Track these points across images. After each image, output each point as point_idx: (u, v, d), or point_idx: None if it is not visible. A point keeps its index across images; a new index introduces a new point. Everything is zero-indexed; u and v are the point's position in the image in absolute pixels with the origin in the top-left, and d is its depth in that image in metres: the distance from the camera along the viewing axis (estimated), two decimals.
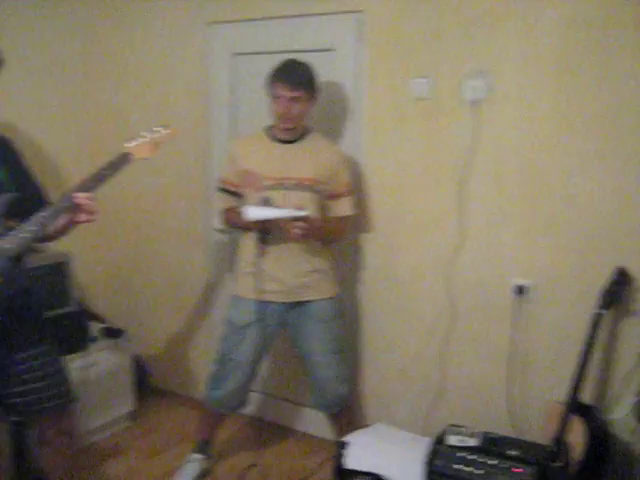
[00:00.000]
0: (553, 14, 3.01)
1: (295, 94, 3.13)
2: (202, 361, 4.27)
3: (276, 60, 3.24)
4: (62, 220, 2.41)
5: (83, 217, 2.40)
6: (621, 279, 2.94)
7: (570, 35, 2.99)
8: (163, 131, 2.65)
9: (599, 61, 2.94)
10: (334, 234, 3.38)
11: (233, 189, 3.33)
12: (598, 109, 2.97)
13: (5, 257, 2.31)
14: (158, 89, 4.25)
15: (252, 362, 3.35)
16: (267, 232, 3.17)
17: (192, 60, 4.08)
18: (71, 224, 2.46)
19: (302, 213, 3.06)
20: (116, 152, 2.52)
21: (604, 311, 2.94)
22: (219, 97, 4.02)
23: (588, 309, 2.97)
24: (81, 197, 2.35)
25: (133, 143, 2.54)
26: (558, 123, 3.07)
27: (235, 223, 3.33)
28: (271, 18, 3.75)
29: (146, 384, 4.51)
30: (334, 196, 3.32)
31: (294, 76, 3.14)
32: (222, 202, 3.39)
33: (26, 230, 2.32)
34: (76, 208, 2.37)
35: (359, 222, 3.62)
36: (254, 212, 3.05)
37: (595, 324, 2.94)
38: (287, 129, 3.22)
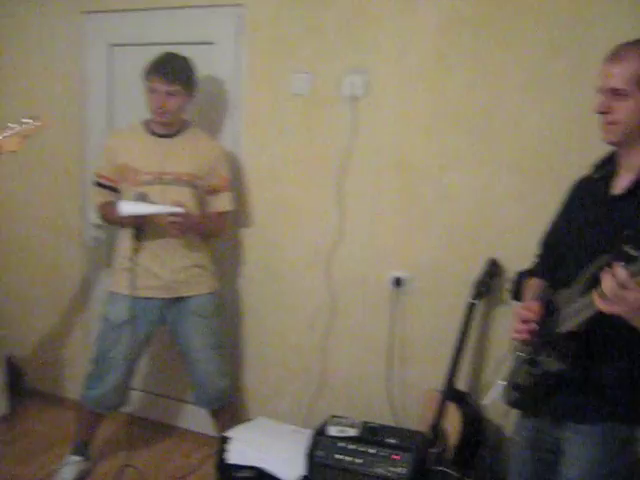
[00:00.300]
0: (429, 12, 3.10)
1: (171, 88, 3.09)
2: (79, 360, 4.14)
3: (155, 52, 3.18)
4: None
5: None
6: (493, 270, 3.07)
7: (445, 33, 3.08)
8: (32, 123, 2.55)
9: (473, 58, 3.05)
10: (213, 229, 3.36)
11: (109, 183, 3.25)
12: (472, 106, 3.08)
13: None
14: (31, 81, 4.08)
15: (130, 360, 3.28)
16: (141, 228, 3.12)
17: (67, 51, 3.95)
18: None
19: (178, 209, 3.02)
20: None
21: (477, 301, 3.06)
22: (95, 89, 3.91)
23: (462, 299, 3.08)
24: None
25: (1, 136, 2.44)
26: (433, 119, 3.16)
27: (111, 218, 3.25)
28: (150, 9, 3.68)
29: (20, 386, 4.33)
30: (213, 191, 3.29)
31: (170, 70, 3.09)
32: (98, 197, 3.29)
33: None
34: None
35: (239, 217, 3.61)
36: (128, 208, 2.99)
37: (468, 314, 3.05)
38: (163, 123, 3.17)
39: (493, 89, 3.03)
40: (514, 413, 2.21)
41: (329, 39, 3.31)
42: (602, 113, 1.89)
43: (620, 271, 1.57)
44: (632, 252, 1.66)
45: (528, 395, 2.06)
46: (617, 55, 1.86)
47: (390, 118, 3.25)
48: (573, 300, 1.85)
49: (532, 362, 2.00)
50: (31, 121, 2.55)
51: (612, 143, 1.93)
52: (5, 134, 2.45)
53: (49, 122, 2.61)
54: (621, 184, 1.93)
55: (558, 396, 1.96)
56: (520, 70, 2.97)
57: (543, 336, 1.95)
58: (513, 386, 2.11)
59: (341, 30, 3.29)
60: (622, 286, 1.57)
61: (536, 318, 1.96)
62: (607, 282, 1.60)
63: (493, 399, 2.24)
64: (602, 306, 1.63)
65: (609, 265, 1.68)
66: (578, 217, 2.05)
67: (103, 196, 3.27)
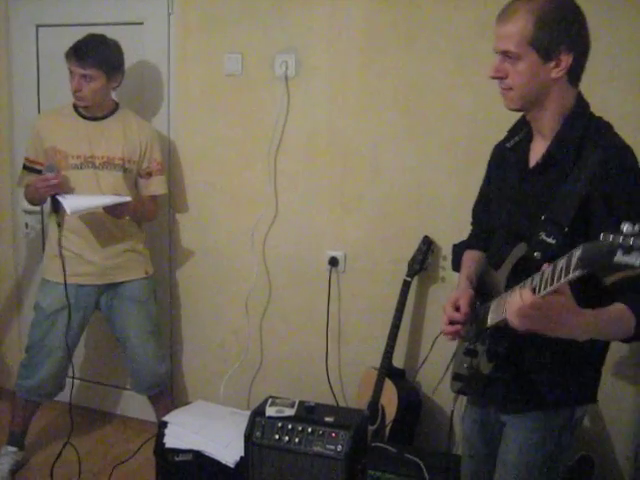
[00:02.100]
0: None
1: (87, 72, 3.01)
2: (13, 349, 4.07)
3: (83, 33, 3.10)
4: None
5: None
6: (427, 247, 3.09)
7: (376, 11, 3.09)
8: None
9: (404, 37, 3.06)
10: (146, 213, 3.31)
11: (37, 167, 3.16)
12: (403, 84, 3.10)
13: None
14: None
15: (65, 348, 3.22)
16: (57, 209, 3.04)
17: None
18: None
19: (126, 198, 3.00)
20: None
21: (412, 278, 3.09)
22: (22, 72, 3.81)
23: (398, 277, 3.11)
24: None
25: None
26: (366, 98, 3.17)
27: (35, 201, 3.18)
28: None
29: None
30: (145, 174, 3.25)
31: (87, 53, 3.01)
32: (25, 180, 3.20)
33: None
34: None
35: (172, 199, 3.57)
36: (74, 205, 2.91)
37: (404, 291, 3.08)
38: (85, 107, 3.11)
39: (424, 68, 3.05)
40: (450, 386, 2.23)
41: (261, 19, 3.29)
42: (496, 78, 1.75)
43: (525, 294, 1.47)
44: (547, 240, 1.63)
45: (468, 386, 2.03)
46: (507, 14, 1.70)
47: (323, 98, 3.24)
48: (497, 291, 1.79)
49: (469, 352, 1.93)
50: None
51: (513, 109, 1.79)
52: None
53: None
54: (536, 153, 1.82)
55: (494, 390, 1.91)
56: (450, 48, 2.99)
57: (475, 325, 1.90)
58: (455, 376, 2.09)
59: (273, 10, 3.26)
60: (530, 307, 1.46)
61: (462, 318, 1.88)
62: (513, 305, 1.51)
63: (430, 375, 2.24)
64: (512, 323, 1.53)
65: (529, 256, 1.64)
66: (498, 188, 1.99)
67: (28, 177, 3.18)
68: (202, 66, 3.44)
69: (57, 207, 3.02)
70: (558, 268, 1.38)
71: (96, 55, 3.03)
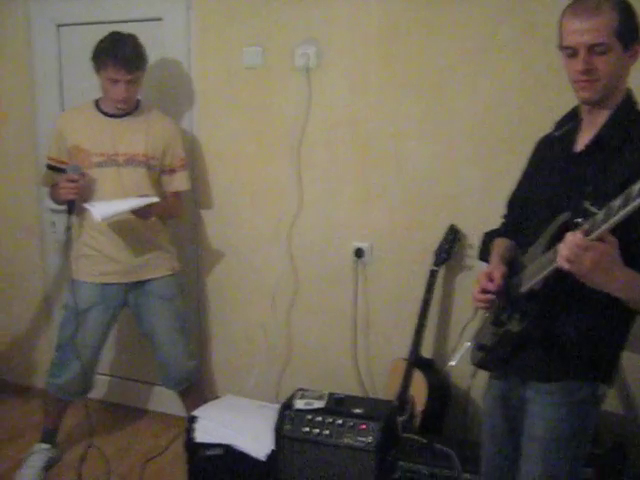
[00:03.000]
0: None
1: (133, 76, 3.01)
2: (44, 348, 4.11)
3: (102, 31, 3.09)
4: None
5: None
6: (452, 236, 3.07)
7: (396, 1, 3.05)
8: None
9: (424, 25, 3.03)
10: (172, 211, 3.32)
11: (60, 165, 3.16)
12: (425, 73, 3.07)
13: None
14: None
15: (94, 346, 3.25)
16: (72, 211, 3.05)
17: (12, 32, 3.85)
18: None
19: (153, 199, 3.00)
20: None
21: (438, 267, 3.07)
22: (44, 71, 3.83)
23: (424, 267, 3.09)
24: None
25: None
26: (387, 88, 3.15)
27: (60, 201, 3.17)
28: None
29: None
30: (169, 171, 3.25)
31: (128, 58, 2.99)
32: (49, 179, 3.21)
33: None
34: None
35: (196, 195, 3.58)
36: (103, 211, 2.90)
37: (431, 281, 3.06)
38: (121, 108, 3.11)
39: (446, 56, 3.02)
40: (481, 374, 2.22)
41: (280, 10, 3.27)
42: (586, 72, 1.79)
43: (576, 234, 1.58)
44: (591, 209, 1.68)
45: (493, 355, 2.06)
46: (591, 8, 1.77)
47: (344, 88, 3.22)
48: (535, 258, 1.86)
49: (497, 322, 2.00)
50: None
51: (592, 101, 1.85)
52: None
53: (4, 117, 2.49)
54: (583, 141, 1.91)
55: (521, 355, 1.97)
56: (470, 34, 2.96)
57: (507, 296, 1.95)
58: (478, 346, 2.12)
59: (292, 1, 3.24)
60: (580, 247, 1.57)
61: (495, 288, 1.95)
62: (567, 241, 1.60)
63: (459, 360, 2.25)
64: (561, 263, 1.63)
65: (570, 222, 1.69)
66: (541, 175, 2.05)
67: (51, 177, 3.19)
68: (222, 60, 3.44)
69: (72, 209, 3.03)
70: (614, 206, 1.52)
71: (137, 57, 3.03)
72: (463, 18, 2.96)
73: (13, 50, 3.88)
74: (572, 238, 1.59)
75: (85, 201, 3.01)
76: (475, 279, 2.02)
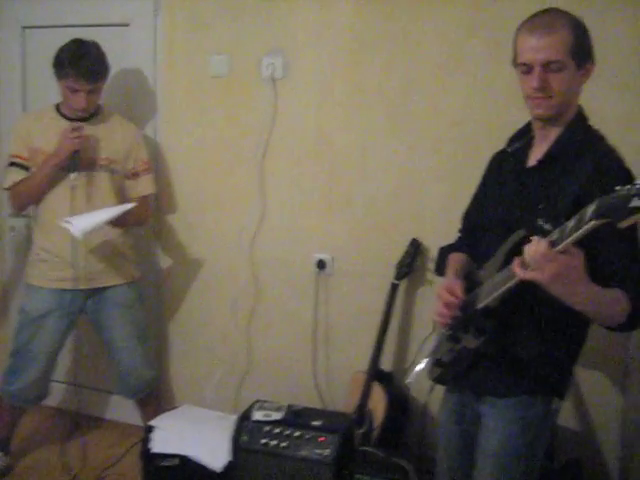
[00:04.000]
0: None
1: (93, 87, 2.99)
2: None
3: (69, 34, 3.06)
4: None
5: None
6: (415, 250, 3.09)
7: (362, 13, 3.09)
8: None
9: (392, 38, 3.06)
10: (138, 216, 3.26)
11: (25, 163, 3.08)
12: (390, 86, 3.09)
13: None
14: None
15: (50, 352, 3.20)
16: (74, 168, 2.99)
17: None
18: None
19: (129, 206, 2.98)
20: None
21: (400, 281, 3.08)
22: (8, 73, 3.79)
23: (386, 280, 3.09)
24: None
25: None
26: (353, 100, 3.16)
27: (25, 198, 3.11)
28: None
29: None
30: (132, 175, 3.22)
31: (90, 69, 2.95)
32: (13, 176, 3.09)
33: None
34: None
35: (160, 202, 3.55)
36: (82, 226, 2.84)
37: (392, 294, 3.07)
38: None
39: (410, 69, 3.04)
40: (439, 389, 2.23)
41: (247, 20, 3.28)
42: (540, 88, 1.81)
43: (542, 242, 1.58)
44: (546, 226, 1.72)
45: (450, 371, 2.08)
46: (547, 26, 1.79)
47: (310, 99, 3.23)
48: (492, 275, 1.87)
49: (453, 338, 2.02)
50: None
51: (545, 118, 1.87)
52: None
53: None
54: (535, 156, 1.93)
55: (477, 371, 1.99)
56: (436, 49, 2.99)
57: (464, 313, 1.96)
58: (436, 362, 2.13)
59: (259, 11, 3.25)
60: (544, 257, 1.56)
61: (458, 302, 1.95)
62: (530, 249, 1.60)
63: (416, 377, 2.26)
64: (522, 274, 1.63)
65: (526, 240, 1.68)
66: (495, 191, 2.07)
67: (19, 175, 3.08)
68: (188, 68, 3.42)
69: (76, 162, 2.98)
70: (568, 227, 1.52)
71: (99, 68, 3.00)
72: (430, 32, 2.99)
73: None
74: (536, 247, 1.58)
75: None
76: (435, 294, 2.03)
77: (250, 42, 3.29)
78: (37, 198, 3.08)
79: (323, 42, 3.17)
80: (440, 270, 2.25)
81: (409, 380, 2.35)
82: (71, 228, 2.86)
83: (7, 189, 3.12)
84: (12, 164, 3.11)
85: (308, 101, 3.23)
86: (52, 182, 3.03)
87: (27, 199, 3.11)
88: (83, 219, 2.91)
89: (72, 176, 2.99)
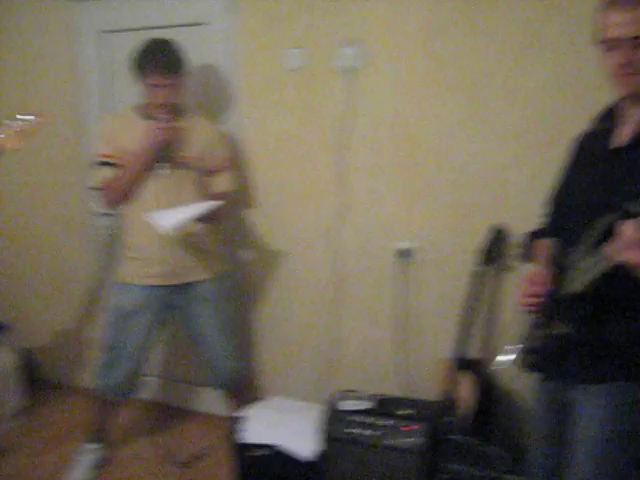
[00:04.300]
0: None
1: (172, 81, 3.04)
2: (91, 349, 4.17)
3: (146, 37, 3.12)
4: None
5: None
6: (497, 236, 3.04)
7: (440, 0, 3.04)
8: (35, 120, 2.44)
9: (467, 25, 3.01)
10: (218, 213, 3.32)
11: (114, 161, 3.12)
12: (468, 73, 3.05)
13: None
14: (24, 70, 4.07)
15: (141, 347, 3.29)
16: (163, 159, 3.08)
17: (58, 39, 3.93)
18: None
19: (216, 204, 3.04)
20: None
21: (483, 268, 3.04)
22: (89, 77, 3.89)
23: (468, 267, 3.06)
24: None
25: (2, 134, 2.36)
26: (431, 88, 3.13)
27: (115, 195, 3.15)
28: None
29: (36, 378, 4.36)
30: (213, 172, 3.27)
31: (167, 62, 3.02)
32: (102, 174, 3.13)
33: None
34: None
35: (242, 197, 3.60)
36: (169, 220, 2.91)
37: (475, 281, 3.04)
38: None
39: (489, 53, 2.99)
40: (528, 376, 2.20)
41: (322, 11, 3.28)
42: (627, 64, 1.77)
43: (635, 224, 1.55)
44: (634, 210, 1.66)
45: (540, 358, 2.05)
46: (625, 1, 1.75)
47: (387, 88, 3.22)
48: (581, 259, 1.83)
49: (543, 325, 1.98)
50: (29, 117, 2.44)
51: (633, 95, 1.83)
52: (6, 132, 2.36)
53: (51, 118, 2.49)
54: (622, 137, 1.88)
55: (568, 358, 1.95)
56: (514, 33, 2.93)
57: (553, 298, 1.93)
58: (526, 349, 2.10)
59: (334, 2, 3.25)
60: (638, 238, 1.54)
61: (544, 290, 1.93)
62: (624, 232, 1.58)
63: (504, 363, 2.23)
64: (616, 257, 1.61)
65: (616, 223, 1.65)
66: (581, 173, 2.02)
67: (108, 172, 3.13)
68: (265, 62, 3.45)
69: (164, 159, 3.06)
70: None
71: (176, 61, 3.06)
72: (507, 16, 2.93)
73: (58, 55, 3.95)
74: (630, 230, 1.56)
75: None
76: (521, 280, 2.01)
77: (325, 34, 3.29)
78: (128, 194, 3.13)
79: (399, 31, 3.14)
80: (527, 256, 2.21)
81: (496, 366, 2.33)
82: (157, 223, 2.93)
83: (98, 187, 3.18)
84: (100, 163, 3.16)
85: (385, 91, 3.22)
86: (141, 177, 3.10)
87: (119, 195, 3.16)
88: (169, 215, 2.97)
89: (160, 167, 3.07)
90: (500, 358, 2.20)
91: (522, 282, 2.00)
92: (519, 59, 2.93)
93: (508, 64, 2.96)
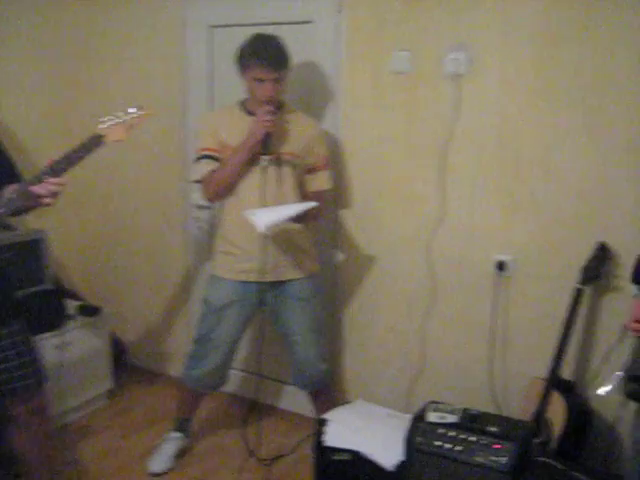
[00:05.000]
0: None
1: (278, 75, 3.04)
2: (180, 339, 4.24)
3: (253, 33, 3.14)
4: (30, 201, 2.35)
5: (46, 201, 2.33)
6: (601, 254, 2.93)
7: (551, 6, 2.94)
8: (138, 112, 2.50)
9: (581, 32, 2.90)
10: (314, 211, 3.31)
11: (217, 155, 3.15)
12: (580, 81, 2.94)
13: None
14: (133, 64, 4.16)
15: (230, 342, 3.31)
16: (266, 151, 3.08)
17: (168, 33, 3.99)
18: (37, 204, 2.39)
19: (311, 204, 3.04)
20: (89, 133, 2.41)
21: (585, 286, 2.93)
22: (196, 71, 3.95)
23: (569, 284, 2.96)
24: (48, 184, 2.29)
25: (107, 124, 2.41)
26: (539, 96, 3.04)
27: (225, 182, 3.14)
28: None
29: (123, 362, 4.46)
30: (311, 170, 3.26)
31: (272, 57, 3.03)
32: (205, 167, 3.16)
33: None
34: (39, 196, 2.31)
35: (338, 198, 3.58)
36: (266, 220, 2.93)
37: (576, 299, 2.93)
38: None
39: (605, 62, 2.87)
40: (631, 405, 2.11)
41: (430, 15, 3.22)
42: None
43: None
44: None
45: None
46: None
47: (494, 95, 3.14)
48: None
49: None
50: (137, 110, 2.49)
51: None
52: (111, 123, 2.43)
53: (154, 111, 2.55)
54: None
55: None
56: (633, 43, 2.80)
57: None
58: (630, 377, 2.00)
59: (442, 6, 3.19)
60: None
61: None
62: None
63: (609, 391, 2.14)
64: None
65: None
66: None
67: (210, 165, 3.15)
68: (370, 64, 3.42)
69: (268, 144, 3.06)
70: None
71: (281, 56, 3.06)
72: (625, 22, 2.80)
73: (168, 50, 4.02)
74: None
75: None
76: (632, 304, 1.91)
77: (433, 38, 3.23)
78: (230, 186, 3.15)
79: (508, 35, 3.06)
80: (638, 278, 2.11)
81: (601, 392, 2.23)
82: (256, 221, 2.94)
83: (199, 181, 3.21)
84: (203, 157, 3.19)
85: (492, 98, 3.14)
86: (242, 172, 3.11)
87: (220, 188, 3.17)
88: (267, 213, 2.97)
89: (264, 159, 3.07)
90: (605, 384, 2.11)
91: (633, 305, 1.90)
92: (638, 69, 2.80)
93: (625, 74, 2.84)
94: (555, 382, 2.95)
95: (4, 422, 2.79)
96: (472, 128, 3.21)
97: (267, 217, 2.94)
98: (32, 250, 3.75)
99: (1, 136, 2.66)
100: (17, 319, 2.60)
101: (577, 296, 2.93)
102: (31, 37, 4.18)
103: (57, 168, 2.30)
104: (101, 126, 2.38)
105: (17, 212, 2.42)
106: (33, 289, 3.67)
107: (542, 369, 3.00)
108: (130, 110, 2.46)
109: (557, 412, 2.91)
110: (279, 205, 3.07)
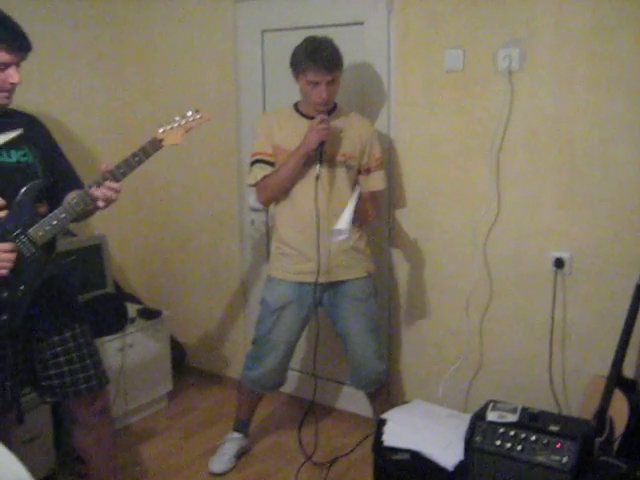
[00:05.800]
0: None
1: (331, 77, 3.06)
2: (238, 341, 4.28)
3: (305, 36, 3.17)
4: (90, 206, 2.42)
5: (100, 205, 2.40)
6: None
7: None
8: (195, 116, 2.55)
9: (635, 21, 2.85)
10: (368, 211, 3.33)
11: (271, 159, 3.20)
12: (636, 73, 2.89)
13: (35, 245, 2.35)
14: (187, 69, 4.23)
15: (289, 342, 3.34)
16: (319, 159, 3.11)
17: (221, 38, 4.04)
18: (95, 209, 2.46)
19: (357, 191, 3.15)
20: (147, 137, 2.46)
21: None
22: (249, 75, 3.99)
23: (630, 281, 2.90)
24: (105, 188, 2.35)
25: (165, 128, 2.47)
26: (595, 90, 3.00)
27: (279, 186, 3.17)
28: None
29: (183, 364, 4.52)
30: (365, 171, 3.27)
31: (328, 58, 3.04)
32: (260, 172, 3.19)
33: (57, 217, 2.36)
34: (101, 200, 2.38)
35: (392, 198, 3.58)
36: (344, 225, 3.00)
37: (637, 296, 2.87)
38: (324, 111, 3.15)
39: None
40: None
41: (482, 12, 3.20)
42: None
43: None
44: None
45: None
46: None
47: (548, 91, 3.10)
48: None
49: None
50: (193, 114, 2.54)
51: None
52: (169, 127, 2.48)
53: (211, 115, 2.60)
54: None
55: None
56: None
57: None
58: None
59: (494, 2, 3.16)
60: None
61: None
62: None
63: None
64: None
65: None
66: None
67: (264, 170, 3.19)
68: (422, 63, 3.41)
69: (320, 158, 3.09)
70: None
71: (334, 58, 3.08)
72: None
73: (221, 54, 4.07)
74: None
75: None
76: None
77: (485, 35, 3.21)
78: (283, 191, 3.18)
79: (562, 30, 3.02)
80: None
81: None
82: (336, 238, 3.02)
83: (255, 184, 3.25)
84: (257, 161, 3.23)
85: (546, 93, 3.11)
86: (297, 176, 3.14)
87: (274, 192, 3.21)
88: (340, 222, 3.02)
89: (317, 167, 3.09)
90: None
91: None
92: None
93: None
94: (617, 380, 2.90)
95: (69, 424, 2.87)
96: (527, 124, 3.18)
97: (343, 224, 3.00)
98: (93, 255, 3.83)
99: (61, 142, 2.72)
100: (80, 323, 2.67)
101: (638, 293, 2.87)
102: (91, 44, 4.27)
103: (117, 173, 2.37)
104: (160, 130, 2.44)
105: (78, 218, 2.49)
106: (95, 293, 3.76)
107: (603, 367, 2.95)
108: (188, 114, 2.52)
109: (619, 411, 2.86)
110: (337, 208, 3.10)
